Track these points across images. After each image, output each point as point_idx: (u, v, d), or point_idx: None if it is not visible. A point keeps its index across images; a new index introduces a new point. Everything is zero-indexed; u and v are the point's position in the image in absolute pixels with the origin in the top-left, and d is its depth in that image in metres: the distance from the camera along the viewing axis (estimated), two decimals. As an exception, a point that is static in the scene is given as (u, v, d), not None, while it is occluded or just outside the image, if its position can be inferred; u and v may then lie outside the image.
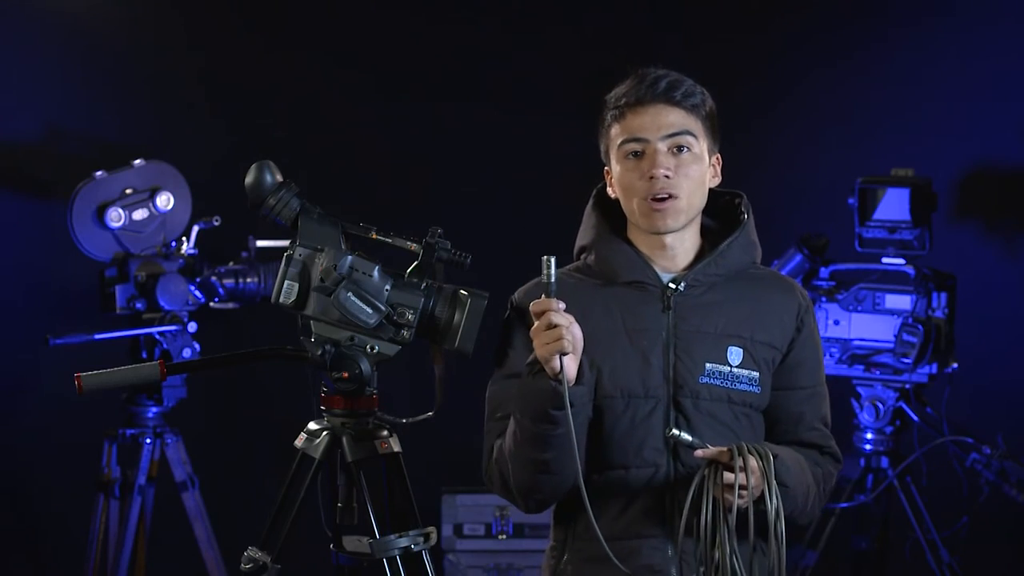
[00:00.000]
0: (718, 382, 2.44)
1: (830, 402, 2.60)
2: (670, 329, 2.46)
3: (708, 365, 2.44)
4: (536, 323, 2.31)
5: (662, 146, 2.43)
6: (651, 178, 2.43)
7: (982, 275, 4.68)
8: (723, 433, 2.43)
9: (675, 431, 2.34)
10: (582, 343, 2.34)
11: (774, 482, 2.31)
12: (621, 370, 2.45)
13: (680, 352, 2.45)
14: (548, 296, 2.31)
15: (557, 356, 2.28)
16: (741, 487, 2.29)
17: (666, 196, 2.43)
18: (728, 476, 2.30)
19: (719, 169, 2.54)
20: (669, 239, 2.49)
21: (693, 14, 5.04)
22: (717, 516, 2.31)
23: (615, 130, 2.48)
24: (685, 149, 2.44)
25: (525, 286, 2.55)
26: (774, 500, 2.31)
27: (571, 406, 2.30)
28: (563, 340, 2.28)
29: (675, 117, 2.44)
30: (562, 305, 2.31)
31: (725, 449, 2.32)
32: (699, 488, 2.32)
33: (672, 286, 2.48)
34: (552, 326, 2.29)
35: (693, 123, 2.46)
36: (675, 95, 2.44)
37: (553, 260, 2.32)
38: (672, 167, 2.43)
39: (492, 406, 2.52)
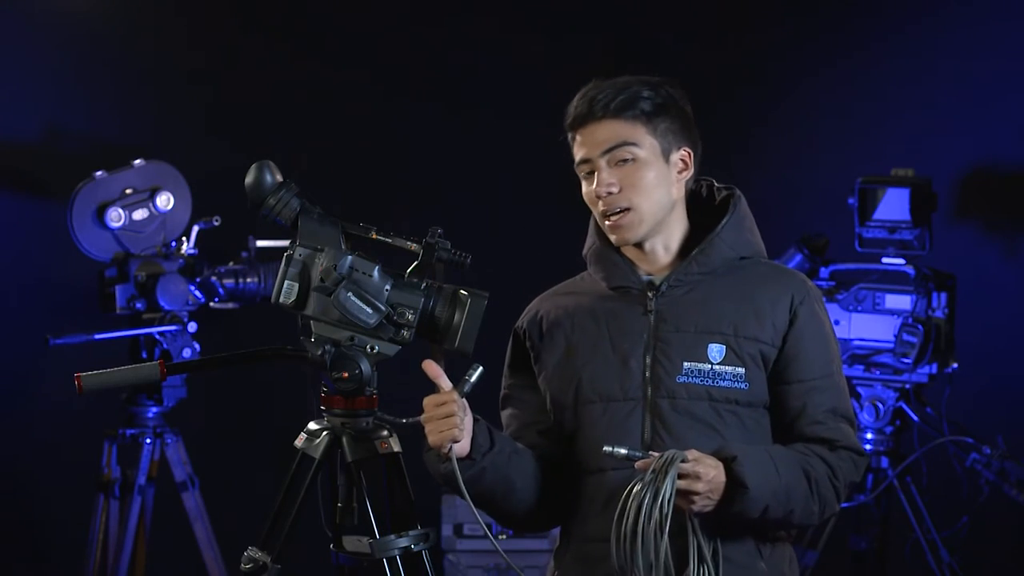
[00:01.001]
0: (697, 380, 2.43)
1: None
2: (651, 331, 2.47)
3: (686, 364, 2.44)
4: (430, 410, 2.35)
5: (603, 162, 2.45)
6: (598, 197, 2.45)
7: (982, 275, 4.68)
8: (704, 432, 2.42)
9: (607, 447, 2.33)
10: (471, 425, 2.39)
11: (665, 491, 2.26)
12: (601, 376, 2.47)
13: (659, 353, 2.45)
14: (459, 392, 2.35)
15: (449, 443, 2.34)
16: (692, 493, 2.28)
17: (618, 210, 2.45)
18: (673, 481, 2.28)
19: (691, 161, 2.52)
20: (646, 245, 2.51)
21: (693, 14, 5.04)
22: (638, 522, 2.28)
23: (573, 150, 2.52)
24: (629, 159, 2.45)
25: (537, 299, 2.61)
26: (664, 509, 2.27)
27: (466, 475, 2.36)
28: (456, 429, 2.34)
29: (610, 131, 2.45)
30: (463, 400, 2.36)
31: (653, 458, 2.30)
32: (626, 497, 2.31)
33: (653, 288, 2.49)
34: (449, 415, 2.34)
35: (631, 131, 2.45)
36: (610, 108, 2.45)
37: (479, 371, 2.37)
38: (616, 180, 2.44)
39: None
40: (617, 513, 2.30)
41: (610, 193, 2.44)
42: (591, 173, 2.47)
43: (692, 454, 2.31)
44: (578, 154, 2.49)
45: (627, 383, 2.45)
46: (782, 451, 2.43)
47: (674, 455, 2.29)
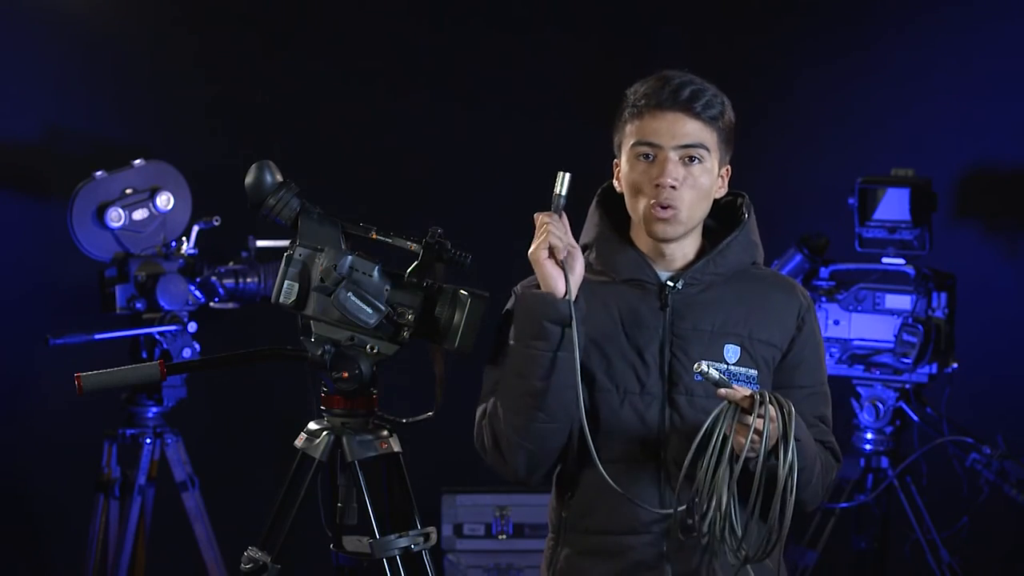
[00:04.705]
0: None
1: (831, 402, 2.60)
2: (667, 327, 2.47)
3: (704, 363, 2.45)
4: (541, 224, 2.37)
5: (674, 155, 2.45)
6: (657, 185, 2.44)
7: (982, 275, 4.68)
8: None
9: (704, 365, 2.29)
10: (582, 270, 2.38)
11: (792, 436, 2.26)
12: (618, 366, 2.46)
13: (676, 349, 2.46)
14: (555, 212, 2.37)
15: (560, 278, 2.34)
16: (757, 432, 2.25)
17: (668, 206, 2.44)
18: (747, 418, 2.26)
19: (727, 180, 2.56)
20: (671, 245, 2.51)
21: (693, 13, 5.04)
22: (723, 455, 2.27)
23: (630, 128, 2.49)
24: (696, 160, 2.46)
25: (525, 280, 2.56)
26: (789, 454, 2.26)
27: (569, 326, 2.35)
28: (566, 245, 2.35)
29: (691, 128, 2.45)
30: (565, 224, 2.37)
31: (749, 393, 2.28)
32: (712, 425, 2.29)
33: (670, 284, 2.49)
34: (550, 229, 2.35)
35: (708, 135, 2.47)
36: (695, 106, 2.45)
37: (567, 177, 2.38)
38: (680, 177, 2.44)
39: (486, 386, 2.51)
40: (702, 440, 2.27)
41: (673, 187, 2.44)
42: (648, 156, 2.46)
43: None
44: (643, 135, 2.45)
45: (645, 377, 2.45)
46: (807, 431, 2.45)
47: (764, 394, 2.27)
